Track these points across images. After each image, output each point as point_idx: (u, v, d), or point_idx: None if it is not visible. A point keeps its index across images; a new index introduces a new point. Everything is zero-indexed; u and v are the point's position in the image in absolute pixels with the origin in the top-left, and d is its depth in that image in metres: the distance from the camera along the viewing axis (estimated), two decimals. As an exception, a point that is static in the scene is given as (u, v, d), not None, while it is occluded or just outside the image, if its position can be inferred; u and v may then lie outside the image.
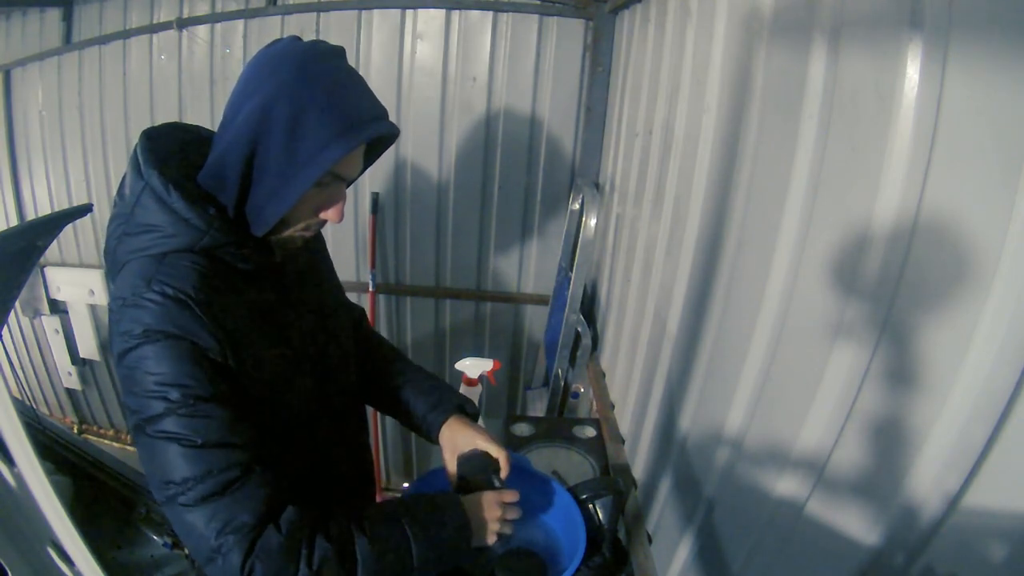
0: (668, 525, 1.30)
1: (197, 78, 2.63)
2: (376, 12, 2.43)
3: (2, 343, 2.97)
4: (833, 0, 0.79)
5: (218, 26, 2.56)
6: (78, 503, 2.21)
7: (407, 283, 2.77)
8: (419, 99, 2.49)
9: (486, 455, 0.94)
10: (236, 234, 0.78)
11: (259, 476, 0.70)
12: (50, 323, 3.20)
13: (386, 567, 0.75)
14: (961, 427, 0.58)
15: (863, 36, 0.73)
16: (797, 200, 0.85)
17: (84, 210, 1.79)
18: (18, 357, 3.38)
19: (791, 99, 0.86)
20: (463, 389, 1.78)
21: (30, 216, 3.07)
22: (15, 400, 1.24)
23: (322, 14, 2.46)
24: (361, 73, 0.79)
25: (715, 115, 1.18)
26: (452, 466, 0.96)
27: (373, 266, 2.65)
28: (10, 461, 1.17)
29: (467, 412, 1.03)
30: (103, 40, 2.68)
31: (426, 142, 2.53)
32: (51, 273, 3.08)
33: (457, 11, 2.39)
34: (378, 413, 2.48)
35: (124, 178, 0.78)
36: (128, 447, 3.23)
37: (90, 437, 3.41)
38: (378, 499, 2.08)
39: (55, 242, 2.06)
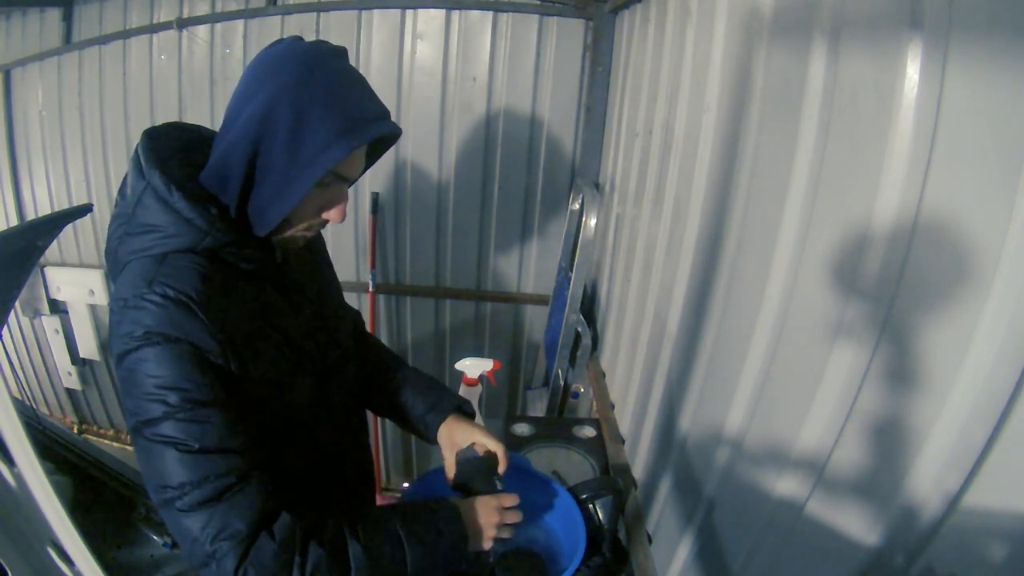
0: (668, 525, 1.30)
1: (197, 78, 2.63)
2: (376, 12, 2.43)
3: (2, 343, 2.97)
4: (833, 0, 0.79)
5: (218, 26, 2.56)
6: (78, 503, 2.21)
7: (407, 283, 2.77)
8: (419, 99, 2.49)
9: (485, 458, 0.94)
10: (238, 234, 0.78)
11: (255, 482, 0.70)
12: (50, 323, 3.20)
13: (380, 574, 0.75)
14: (961, 427, 0.58)
15: (863, 36, 0.73)
16: (797, 200, 0.85)
17: (84, 210, 1.79)
18: (18, 357, 3.38)
19: (791, 99, 0.86)
20: (463, 389, 1.78)
21: (30, 216, 3.07)
22: (15, 400, 1.24)
23: (322, 14, 2.46)
24: (361, 73, 0.79)
25: (715, 115, 1.18)
26: (451, 463, 0.97)
27: (373, 266, 2.65)
28: (10, 461, 1.17)
29: (465, 412, 1.03)
30: (103, 40, 2.68)
31: (426, 142, 2.53)
32: (51, 273, 3.08)
33: (457, 11, 2.39)
34: (378, 413, 2.49)
35: (125, 178, 0.78)
36: (128, 447, 3.23)
37: (90, 437, 3.41)
38: (378, 499, 2.08)
39: (55, 242, 2.06)
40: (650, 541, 1.36)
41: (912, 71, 0.63)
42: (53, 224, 1.71)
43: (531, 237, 2.66)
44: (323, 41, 0.77)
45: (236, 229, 0.78)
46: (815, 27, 0.82)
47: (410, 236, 2.69)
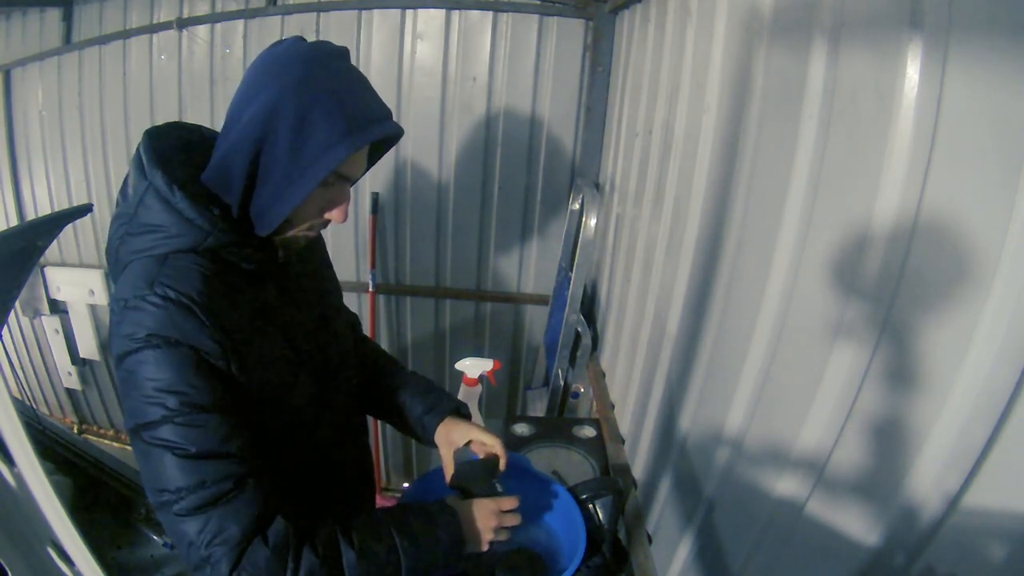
0: (668, 525, 1.30)
1: (197, 78, 2.63)
2: (376, 12, 2.43)
3: (2, 343, 2.97)
4: (833, 0, 0.79)
5: (218, 26, 2.56)
6: (78, 503, 2.21)
7: (407, 283, 2.77)
8: (419, 99, 2.50)
9: (484, 460, 0.93)
10: (240, 234, 0.78)
11: (252, 488, 0.70)
12: (50, 323, 3.20)
13: None
14: (961, 427, 0.58)
15: (863, 36, 0.73)
16: (797, 200, 0.85)
17: (84, 210, 1.79)
18: (18, 357, 3.38)
19: (791, 99, 0.86)
20: (463, 389, 1.77)
21: (30, 216, 3.07)
22: (15, 400, 1.24)
23: (322, 14, 2.46)
24: (363, 74, 0.79)
25: (715, 115, 1.18)
26: (448, 461, 0.97)
27: (373, 266, 2.65)
28: (10, 461, 1.17)
29: (462, 414, 1.03)
30: (103, 40, 2.68)
31: (426, 142, 2.53)
32: (51, 273, 3.08)
33: (457, 11, 2.39)
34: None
35: (127, 178, 0.78)
36: (128, 447, 3.23)
37: (90, 437, 3.41)
38: (378, 499, 2.08)
39: (55, 242, 2.06)
40: (650, 541, 1.36)
41: (912, 71, 0.63)
42: (53, 224, 1.71)
43: (531, 237, 2.66)
44: (325, 42, 0.77)
45: (238, 229, 0.78)
46: (815, 27, 0.82)
47: (410, 236, 2.69)
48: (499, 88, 2.46)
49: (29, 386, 3.45)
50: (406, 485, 2.24)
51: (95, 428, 3.51)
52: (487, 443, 0.96)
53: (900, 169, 0.65)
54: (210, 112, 2.62)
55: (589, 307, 2.33)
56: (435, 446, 1.02)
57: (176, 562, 2.16)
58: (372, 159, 0.87)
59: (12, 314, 3.15)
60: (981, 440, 0.57)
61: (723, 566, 1.04)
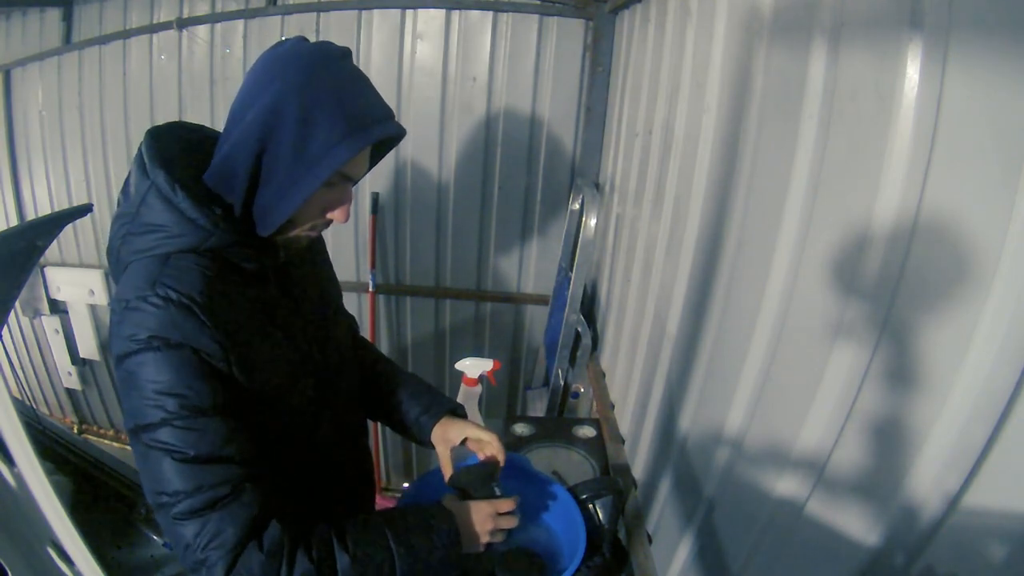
0: (668, 525, 1.30)
1: (197, 78, 2.63)
2: (376, 12, 2.43)
3: (2, 343, 2.97)
4: (833, 0, 0.79)
5: (218, 26, 2.56)
6: (78, 503, 2.21)
7: (407, 283, 2.77)
8: (419, 99, 2.50)
9: (483, 464, 0.93)
10: (242, 234, 0.78)
11: (249, 493, 0.71)
12: (50, 323, 3.20)
13: None
14: (961, 427, 0.58)
15: (863, 36, 0.73)
16: (797, 200, 0.85)
17: (84, 210, 1.79)
18: (18, 357, 3.39)
19: (791, 99, 0.86)
20: (463, 389, 1.77)
21: (30, 216, 3.07)
22: (15, 400, 1.24)
23: (322, 14, 2.46)
24: (365, 74, 0.79)
25: (715, 115, 1.18)
26: (445, 458, 0.97)
27: (373, 266, 2.65)
28: (10, 461, 1.17)
29: (459, 415, 1.04)
30: (103, 40, 2.68)
31: (426, 142, 2.53)
32: (51, 273, 3.08)
33: (457, 11, 2.39)
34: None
35: (128, 177, 0.78)
36: (128, 447, 3.23)
37: (90, 437, 3.41)
38: (378, 499, 2.08)
39: (55, 242, 2.06)
40: (650, 541, 1.36)
41: (912, 71, 0.63)
42: (53, 224, 1.71)
43: (531, 237, 2.66)
44: (328, 42, 0.77)
45: (240, 229, 0.78)
46: (815, 27, 0.82)
47: (410, 236, 2.69)
48: (499, 88, 2.46)
49: (29, 386, 3.45)
50: (406, 485, 2.24)
51: (95, 428, 3.51)
52: (484, 439, 0.96)
53: (900, 169, 0.65)
54: (210, 112, 2.62)
55: (589, 307, 2.33)
56: (432, 446, 1.02)
57: (176, 562, 2.16)
58: (374, 159, 0.87)
59: (12, 314, 3.15)
60: (981, 440, 0.57)
61: (723, 566, 1.04)
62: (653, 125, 1.60)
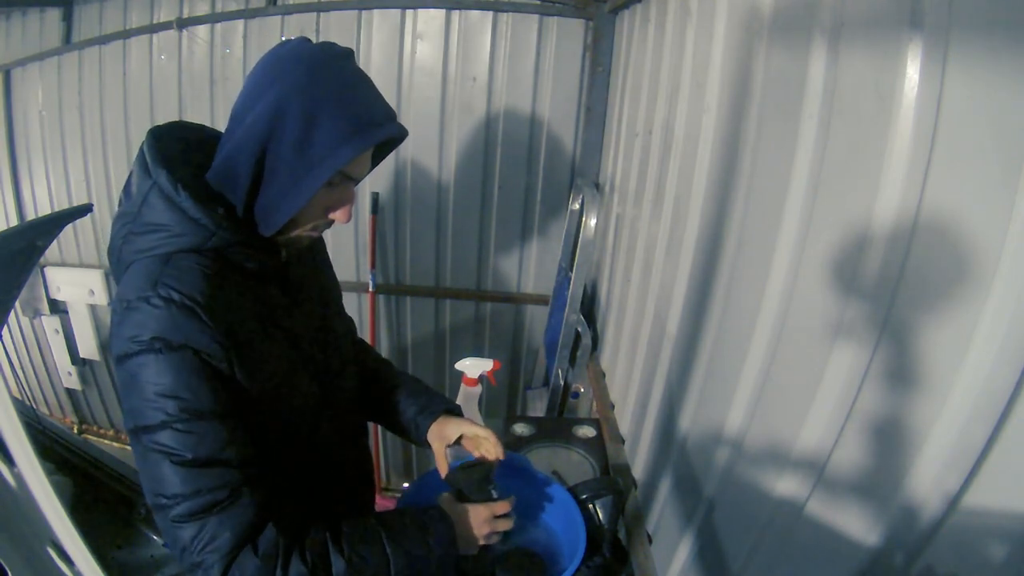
0: (668, 525, 1.29)
1: (197, 78, 2.63)
2: (376, 12, 2.43)
3: (2, 343, 2.97)
4: (833, 0, 0.79)
5: (218, 26, 2.56)
6: (78, 503, 2.21)
7: (407, 283, 2.77)
8: (419, 99, 2.50)
9: (480, 467, 0.93)
10: (244, 234, 0.78)
11: (246, 497, 0.71)
12: (50, 323, 3.20)
13: None
14: (961, 427, 0.58)
15: (863, 36, 0.73)
16: (797, 200, 0.85)
17: (84, 210, 1.79)
18: (18, 357, 3.39)
19: (791, 99, 0.86)
20: (463, 389, 1.77)
21: (30, 216, 3.07)
22: (15, 400, 1.24)
23: (322, 14, 2.46)
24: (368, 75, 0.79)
25: (715, 115, 1.18)
26: (441, 456, 0.98)
27: (373, 266, 2.65)
28: (10, 461, 1.17)
29: (455, 414, 1.04)
30: (103, 40, 2.68)
31: (426, 142, 2.53)
32: (51, 273, 3.08)
33: (457, 11, 2.39)
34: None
35: (130, 176, 0.78)
36: (128, 447, 3.23)
37: (90, 437, 3.41)
38: (377, 500, 2.08)
39: (55, 242, 2.06)
40: (650, 541, 1.36)
41: (912, 71, 0.63)
42: (53, 224, 1.71)
43: (531, 237, 2.66)
44: (331, 43, 0.77)
45: (242, 229, 0.78)
46: (815, 27, 0.82)
47: (410, 236, 2.69)
48: (499, 88, 2.46)
49: (29, 386, 3.45)
50: (406, 485, 2.24)
51: (95, 428, 3.51)
52: (480, 435, 0.96)
53: (900, 169, 0.65)
54: (210, 112, 2.62)
55: (589, 307, 2.33)
56: (428, 446, 1.02)
57: (176, 562, 2.16)
58: (375, 160, 0.87)
59: (12, 314, 3.15)
60: (981, 440, 0.57)
61: (723, 566, 1.04)
62: (653, 125, 1.60)
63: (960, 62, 0.58)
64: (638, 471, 1.53)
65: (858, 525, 0.72)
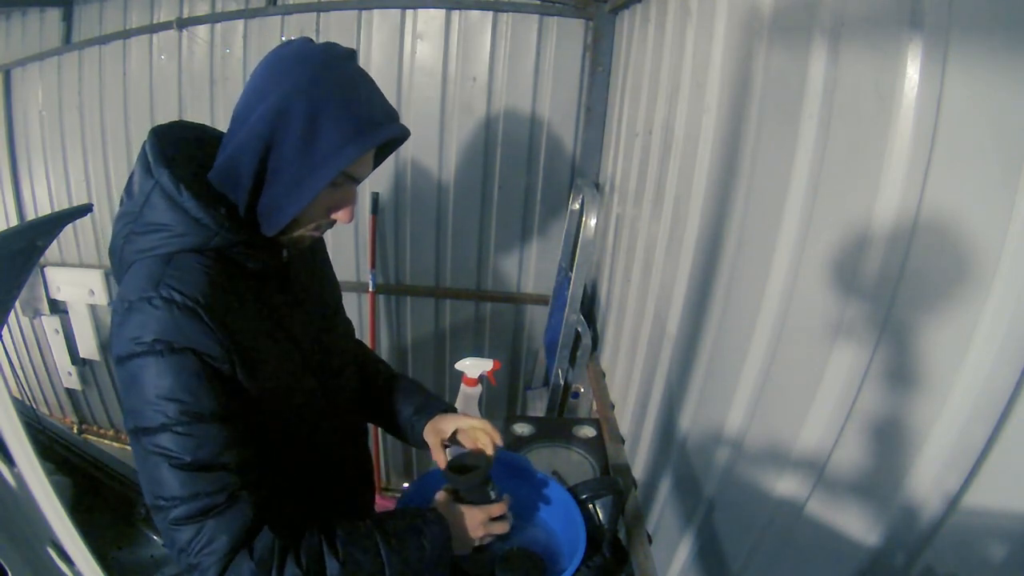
0: (668, 525, 1.29)
1: (197, 78, 2.63)
2: (376, 12, 2.43)
3: (2, 343, 2.97)
4: (833, 0, 0.79)
5: (218, 26, 2.56)
6: (78, 503, 2.21)
7: (407, 283, 2.77)
8: (419, 99, 2.50)
9: (480, 471, 0.92)
10: (246, 234, 0.78)
11: (244, 500, 0.71)
12: (50, 323, 3.20)
13: None
14: (961, 427, 0.58)
15: (863, 36, 0.73)
16: (797, 200, 0.85)
17: (84, 210, 1.79)
18: (18, 357, 3.38)
19: (791, 99, 0.86)
20: (463, 389, 1.77)
21: (30, 216, 3.07)
22: (15, 400, 1.24)
23: (322, 14, 2.46)
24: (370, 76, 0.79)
25: (715, 115, 1.18)
26: (437, 449, 0.98)
27: (373, 266, 2.65)
28: (10, 461, 1.17)
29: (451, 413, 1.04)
30: (103, 40, 2.68)
31: (426, 142, 2.53)
32: (51, 273, 3.08)
33: (457, 11, 2.39)
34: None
35: (132, 176, 0.78)
36: (128, 447, 3.23)
37: (90, 437, 3.41)
38: (377, 500, 2.08)
39: (55, 242, 2.06)
40: (650, 541, 1.36)
41: (912, 71, 0.63)
42: (53, 224, 1.71)
43: (531, 237, 2.66)
44: (334, 43, 0.77)
45: (244, 229, 0.78)
46: (815, 27, 0.82)
47: (410, 236, 2.69)
48: (499, 88, 2.46)
49: (29, 386, 3.45)
50: (406, 485, 2.24)
51: (95, 428, 3.51)
52: (476, 427, 0.96)
53: (900, 169, 0.65)
54: (210, 112, 2.62)
55: (589, 307, 2.33)
56: (425, 446, 1.02)
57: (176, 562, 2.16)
58: (377, 160, 0.87)
59: (12, 314, 3.15)
60: (981, 440, 0.57)
61: (723, 566, 1.04)
62: (653, 125, 1.60)
63: (960, 62, 0.58)
64: (638, 471, 1.53)
65: (858, 525, 0.72)
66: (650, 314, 1.54)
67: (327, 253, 1.05)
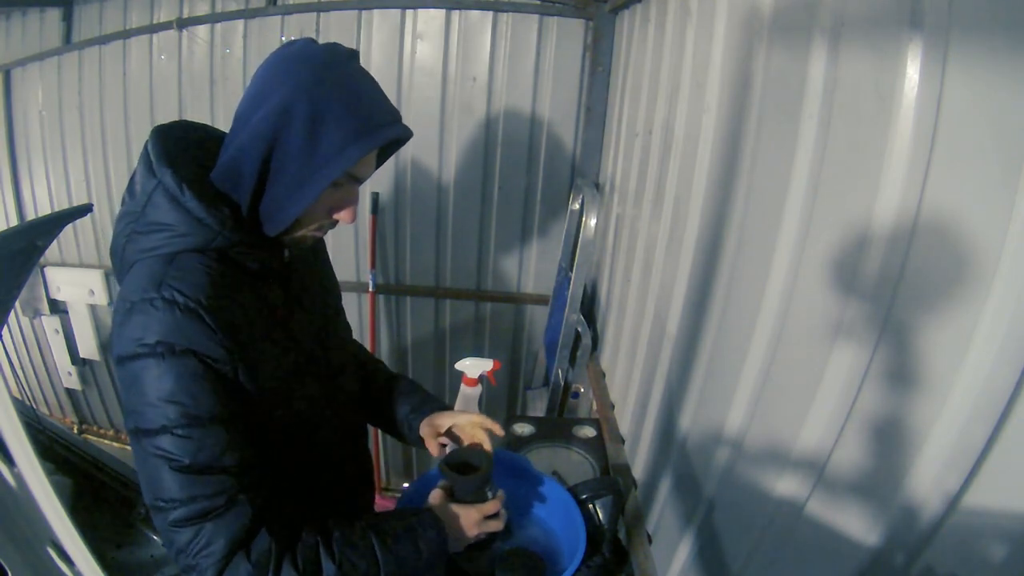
0: (668, 525, 1.30)
1: (197, 78, 2.63)
2: (376, 12, 2.43)
3: (2, 343, 2.97)
4: (833, 0, 0.79)
5: (218, 26, 2.56)
6: (78, 503, 2.21)
7: (407, 283, 2.77)
8: (419, 99, 2.50)
9: (481, 471, 0.92)
10: (248, 234, 0.78)
11: (242, 504, 0.71)
12: (50, 323, 3.20)
13: None
14: (961, 427, 0.58)
15: (863, 36, 0.73)
16: (797, 200, 0.85)
17: (84, 210, 1.79)
18: (18, 357, 3.38)
19: (791, 99, 0.86)
20: (463, 389, 1.77)
21: (30, 216, 3.07)
22: (15, 400, 1.24)
23: (322, 14, 2.46)
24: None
25: (715, 115, 1.18)
26: (431, 442, 0.99)
27: (373, 266, 2.65)
28: (10, 461, 1.17)
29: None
30: (103, 40, 2.68)
31: (426, 142, 2.53)
32: (51, 273, 3.08)
33: (457, 11, 2.39)
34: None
35: (134, 175, 0.78)
36: (128, 447, 3.23)
37: (90, 437, 3.41)
38: (377, 500, 2.08)
39: (55, 242, 2.06)
40: (650, 541, 1.36)
41: (912, 71, 0.63)
42: (53, 224, 1.71)
43: (531, 237, 2.66)
44: (336, 43, 0.77)
45: (246, 229, 0.78)
46: (815, 27, 0.82)
47: (410, 236, 2.69)
48: (499, 88, 2.46)
49: (29, 386, 3.45)
50: (406, 485, 2.24)
51: (95, 428, 3.51)
52: (474, 421, 0.96)
53: (900, 169, 0.65)
54: (210, 112, 2.62)
55: (589, 307, 2.33)
56: (422, 445, 1.02)
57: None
58: (379, 160, 0.87)
59: (12, 314, 3.15)
60: (981, 440, 0.57)
61: (723, 566, 1.04)
62: (653, 125, 1.60)
63: (960, 62, 0.58)
64: (638, 471, 1.53)
65: (858, 525, 0.72)
66: (650, 314, 1.54)
67: (327, 253, 1.05)
